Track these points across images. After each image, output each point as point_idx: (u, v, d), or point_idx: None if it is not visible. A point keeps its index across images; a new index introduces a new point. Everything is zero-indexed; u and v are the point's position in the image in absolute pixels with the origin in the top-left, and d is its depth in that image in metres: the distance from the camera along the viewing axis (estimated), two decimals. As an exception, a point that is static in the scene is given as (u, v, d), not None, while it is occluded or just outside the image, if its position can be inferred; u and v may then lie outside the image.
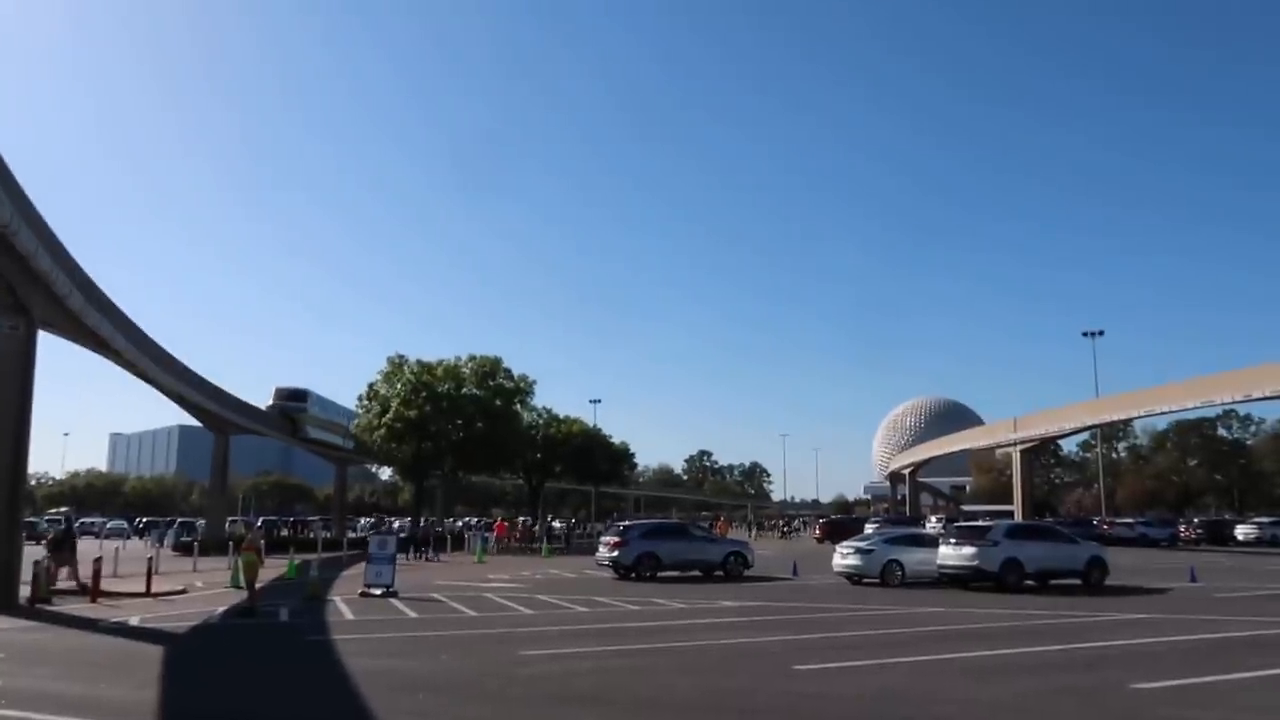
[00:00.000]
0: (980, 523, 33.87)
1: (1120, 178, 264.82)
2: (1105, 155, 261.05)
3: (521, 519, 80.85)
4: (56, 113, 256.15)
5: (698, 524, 45.89)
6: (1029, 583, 25.24)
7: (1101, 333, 74.48)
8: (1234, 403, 62.31)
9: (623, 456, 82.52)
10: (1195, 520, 74.57)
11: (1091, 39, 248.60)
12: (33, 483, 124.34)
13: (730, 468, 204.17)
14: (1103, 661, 13.13)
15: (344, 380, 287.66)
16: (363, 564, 25.55)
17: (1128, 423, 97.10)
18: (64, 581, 24.41)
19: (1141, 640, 15.23)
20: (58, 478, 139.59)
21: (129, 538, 66.20)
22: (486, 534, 54.56)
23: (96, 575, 23.51)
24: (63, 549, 25.89)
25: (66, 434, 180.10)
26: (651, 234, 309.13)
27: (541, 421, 73.39)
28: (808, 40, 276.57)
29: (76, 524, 51.41)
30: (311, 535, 58.54)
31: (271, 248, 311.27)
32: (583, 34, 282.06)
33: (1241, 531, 62.46)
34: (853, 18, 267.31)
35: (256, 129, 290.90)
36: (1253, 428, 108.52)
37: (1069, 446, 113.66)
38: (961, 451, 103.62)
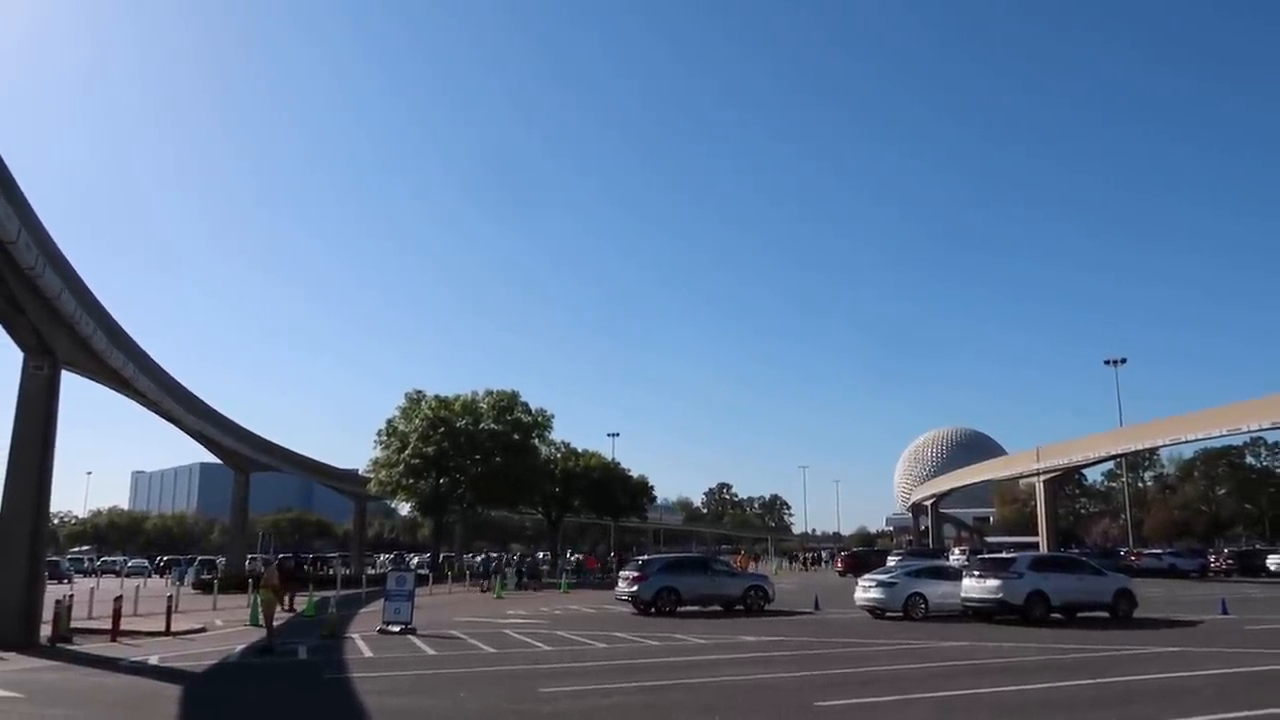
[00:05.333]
0: (1004, 554, 33.41)
1: (1143, 209, 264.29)
2: (1127, 187, 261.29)
3: (541, 554, 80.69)
4: (65, 152, 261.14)
5: (718, 558, 45.57)
6: (1055, 615, 24.86)
7: (1124, 361, 73.90)
8: (1261, 430, 61.40)
9: (641, 490, 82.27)
10: (1225, 551, 73.21)
11: (1116, 76, 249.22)
12: (55, 521, 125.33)
13: (750, 500, 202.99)
14: (1133, 697, 12.85)
15: (361, 419, 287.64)
16: (381, 600, 25.47)
17: (1153, 451, 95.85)
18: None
19: (1172, 674, 14.90)
20: (80, 516, 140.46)
21: (149, 576, 66.36)
22: (506, 569, 54.15)
23: (117, 614, 23.55)
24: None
25: (89, 472, 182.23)
26: (670, 269, 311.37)
27: (560, 455, 73.37)
28: (824, 83, 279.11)
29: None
30: (330, 572, 58.48)
31: (287, 289, 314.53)
32: (594, 72, 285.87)
33: (1273, 562, 61.08)
34: (871, 63, 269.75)
35: (266, 171, 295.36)
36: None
37: (1093, 476, 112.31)
38: (984, 482, 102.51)
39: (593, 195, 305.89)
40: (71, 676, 16.45)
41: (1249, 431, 62.78)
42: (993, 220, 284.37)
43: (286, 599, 32.42)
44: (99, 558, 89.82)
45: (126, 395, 34.91)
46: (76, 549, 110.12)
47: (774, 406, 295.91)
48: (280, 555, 50.55)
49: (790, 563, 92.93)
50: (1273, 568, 60.01)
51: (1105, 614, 25.49)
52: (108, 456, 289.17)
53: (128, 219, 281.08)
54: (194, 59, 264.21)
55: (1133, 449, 69.34)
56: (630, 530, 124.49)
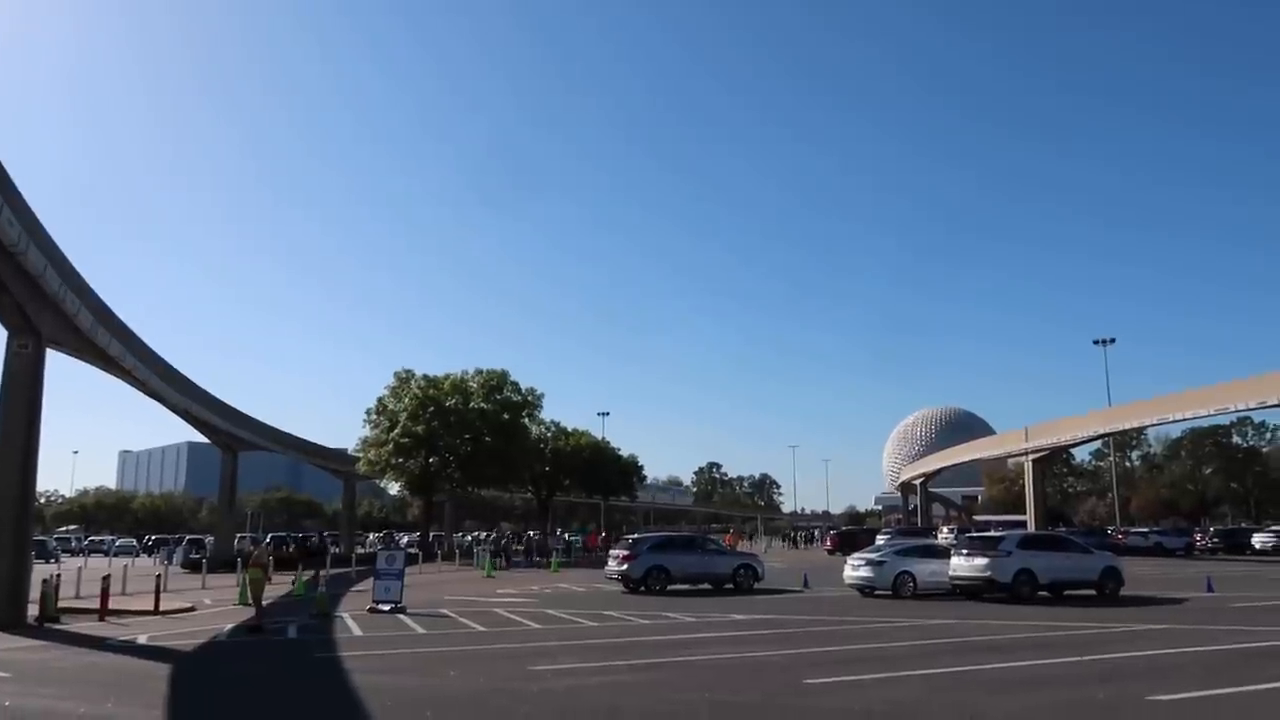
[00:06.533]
0: (992, 533, 33.61)
1: (1130, 192, 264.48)
2: (1113, 171, 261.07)
3: (531, 532, 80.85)
4: (55, 133, 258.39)
5: (708, 537, 45.72)
6: (1042, 594, 25.02)
7: (1113, 340, 74.21)
8: (1248, 409, 61.62)
9: (631, 469, 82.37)
10: (1211, 529, 73.88)
11: (1104, 60, 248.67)
12: (42, 501, 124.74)
13: (740, 479, 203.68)
14: (1119, 673, 12.93)
15: (351, 397, 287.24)
16: (371, 580, 25.47)
17: (1141, 431, 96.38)
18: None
19: (1158, 651, 15.02)
20: (67, 495, 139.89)
21: (138, 555, 66.25)
22: (492, 549, 54.39)
23: (105, 594, 23.47)
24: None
25: (76, 452, 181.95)
26: (660, 250, 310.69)
27: (550, 434, 73.35)
28: (818, 69, 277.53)
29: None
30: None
31: (276, 267, 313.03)
32: (594, 56, 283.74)
33: (1259, 540, 61.77)
34: (863, 49, 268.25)
35: (258, 147, 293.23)
36: (1268, 435, 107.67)
37: (1081, 455, 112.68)
38: (973, 461, 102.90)
39: (586, 176, 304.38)
40: (60, 656, 16.41)
41: (1236, 411, 63.10)
42: (983, 202, 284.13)
43: (298, 574, 33.69)
44: (86, 537, 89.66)
45: (113, 374, 34.65)
46: (63, 529, 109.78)
47: (764, 386, 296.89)
48: (271, 535, 51.50)
49: (784, 541, 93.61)
50: (1258, 546, 60.66)
51: (1092, 592, 25.69)
52: (94, 436, 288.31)
53: (119, 201, 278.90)
54: (187, 46, 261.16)
55: (1120, 428, 69.63)
56: (620, 509, 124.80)
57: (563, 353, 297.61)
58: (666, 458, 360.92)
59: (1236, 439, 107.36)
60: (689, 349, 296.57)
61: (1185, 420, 67.52)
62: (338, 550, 58.01)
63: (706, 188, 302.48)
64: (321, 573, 33.93)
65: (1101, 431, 68.54)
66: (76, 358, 29.55)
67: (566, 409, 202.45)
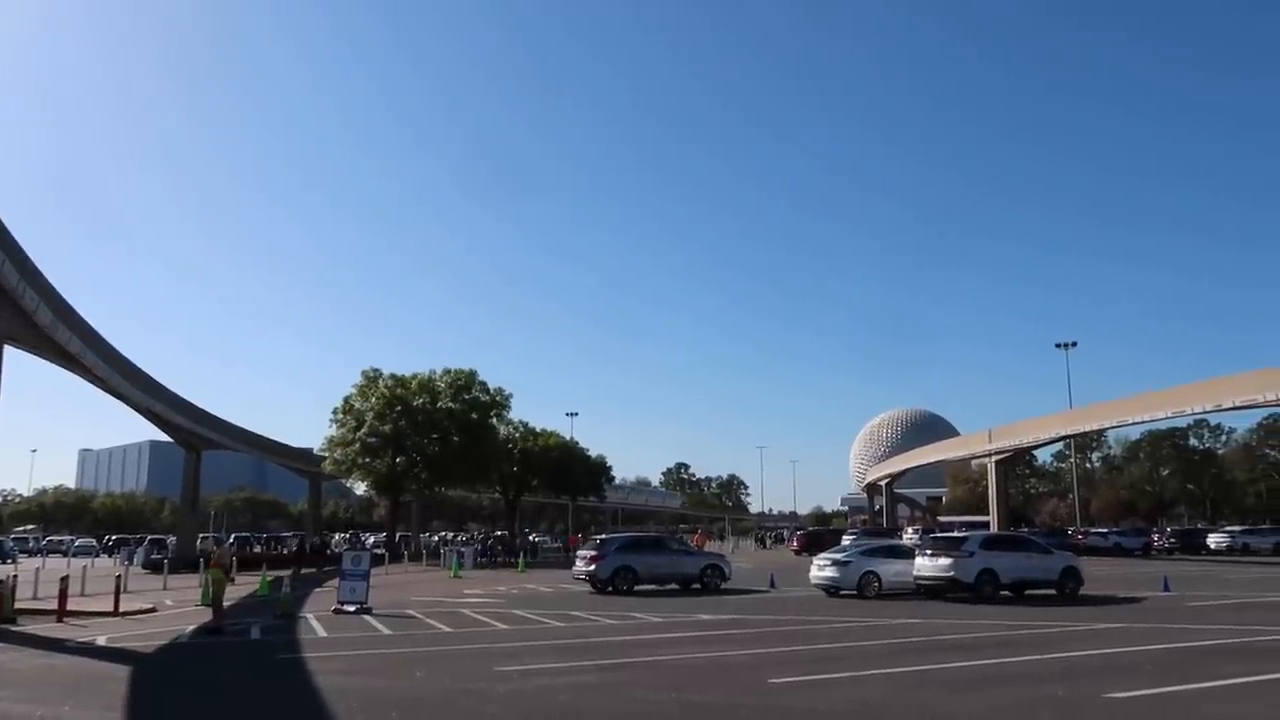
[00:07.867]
0: (956, 534, 34.00)
1: (1092, 192, 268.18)
2: (1077, 169, 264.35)
3: (499, 533, 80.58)
4: (17, 128, 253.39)
5: (675, 537, 45.84)
6: (1004, 593, 25.37)
7: (1074, 344, 75.41)
8: (1205, 412, 62.97)
9: (600, 469, 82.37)
10: (1168, 530, 75.31)
11: (1067, 56, 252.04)
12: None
13: (708, 480, 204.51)
14: (1077, 672, 13.16)
15: (318, 396, 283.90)
16: (336, 580, 25.26)
17: (1101, 433, 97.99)
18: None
19: (1115, 650, 15.30)
20: (25, 494, 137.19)
21: (97, 556, 65.16)
22: (462, 549, 54.19)
23: (63, 595, 23.09)
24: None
25: (34, 450, 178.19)
26: (629, 250, 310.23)
27: (518, 435, 73.14)
28: (800, 67, 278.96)
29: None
30: (285, 551, 57.99)
31: (246, 265, 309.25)
32: (574, 55, 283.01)
33: (1214, 540, 63.12)
34: (842, 47, 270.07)
35: (231, 145, 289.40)
36: (1223, 437, 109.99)
37: (1043, 457, 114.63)
38: (938, 463, 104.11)
39: (566, 176, 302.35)
40: (16, 658, 16.10)
41: (1193, 414, 64.39)
42: (960, 201, 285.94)
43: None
44: (44, 537, 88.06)
45: (74, 372, 34.14)
46: (21, 528, 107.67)
47: (735, 386, 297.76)
48: (235, 536, 51.39)
49: (753, 542, 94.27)
50: (1213, 546, 61.95)
51: (1053, 591, 26.08)
52: (54, 434, 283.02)
53: (84, 199, 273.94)
54: (159, 42, 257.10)
55: (1081, 430, 70.75)
56: (588, 509, 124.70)
57: (539, 353, 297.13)
58: (637, 458, 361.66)
59: (1194, 441, 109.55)
60: (666, 349, 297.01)
61: (1144, 423, 68.79)
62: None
63: (686, 187, 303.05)
64: (287, 574, 33.64)
65: (1063, 433, 69.63)
66: (36, 354, 29.08)
67: (541, 409, 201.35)
